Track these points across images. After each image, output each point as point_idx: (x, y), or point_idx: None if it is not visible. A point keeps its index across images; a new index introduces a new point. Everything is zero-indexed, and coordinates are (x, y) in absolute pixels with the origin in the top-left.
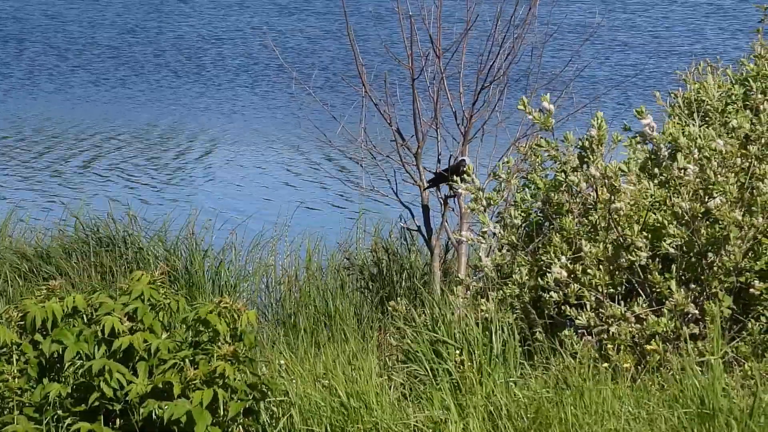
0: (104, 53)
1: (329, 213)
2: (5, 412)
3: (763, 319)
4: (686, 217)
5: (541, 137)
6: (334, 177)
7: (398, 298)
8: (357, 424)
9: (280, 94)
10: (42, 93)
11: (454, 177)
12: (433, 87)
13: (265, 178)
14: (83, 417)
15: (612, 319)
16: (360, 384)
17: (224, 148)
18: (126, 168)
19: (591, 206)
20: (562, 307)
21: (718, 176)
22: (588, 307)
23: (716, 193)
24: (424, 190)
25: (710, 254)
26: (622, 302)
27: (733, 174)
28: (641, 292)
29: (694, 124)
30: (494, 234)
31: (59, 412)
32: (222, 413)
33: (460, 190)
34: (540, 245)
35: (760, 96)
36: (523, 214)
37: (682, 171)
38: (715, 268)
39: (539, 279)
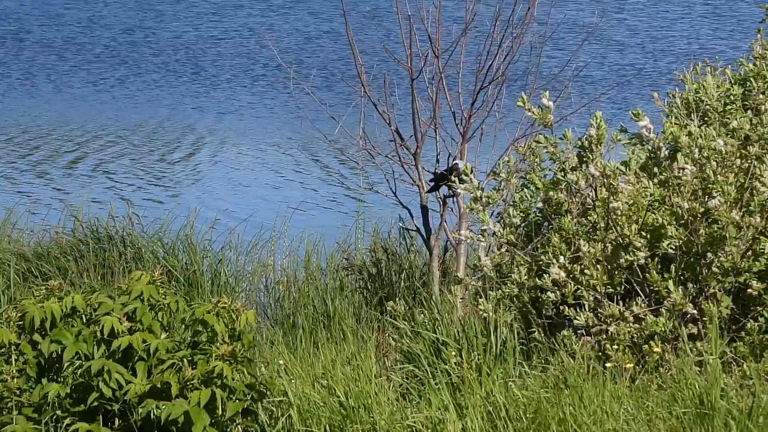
0: (102, 53)
1: (328, 213)
2: (4, 413)
3: (761, 319)
4: (685, 217)
5: (540, 134)
6: (332, 177)
7: (397, 299)
8: (356, 424)
9: (279, 94)
10: (40, 93)
11: (450, 178)
12: (431, 87)
13: (264, 177)
14: (82, 417)
15: (610, 319)
16: (359, 384)
17: (222, 148)
18: (125, 168)
19: (590, 206)
20: (561, 307)
21: (718, 176)
22: (586, 307)
23: (715, 192)
24: (426, 193)
25: (709, 254)
26: (621, 302)
27: (732, 174)
28: (640, 292)
29: (692, 125)
30: (493, 233)
31: (58, 412)
32: (220, 413)
33: (459, 190)
34: (539, 245)
35: (761, 96)
36: (522, 214)
37: (681, 171)
38: (714, 269)
39: (537, 279)
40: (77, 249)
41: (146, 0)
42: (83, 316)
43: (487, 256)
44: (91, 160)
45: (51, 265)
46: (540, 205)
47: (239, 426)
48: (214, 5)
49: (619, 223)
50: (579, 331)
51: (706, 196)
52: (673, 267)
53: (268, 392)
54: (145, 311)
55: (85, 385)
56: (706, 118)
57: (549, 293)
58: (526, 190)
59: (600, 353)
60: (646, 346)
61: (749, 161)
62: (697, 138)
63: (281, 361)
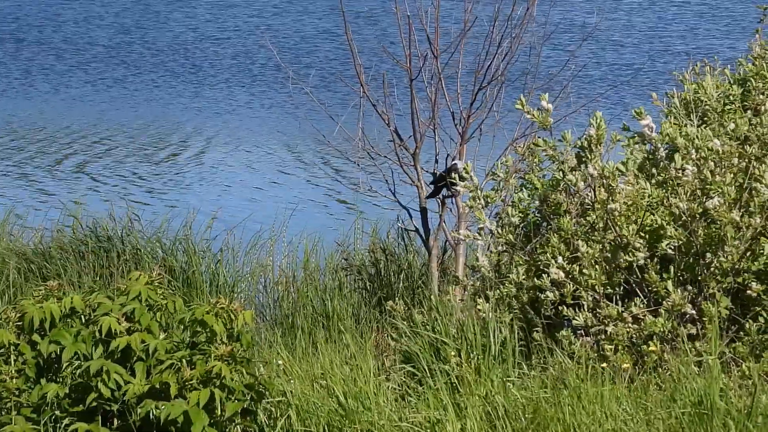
0: (101, 53)
1: (327, 213)
2: (3, 413)
3: (761, 319)
4: (684, 218)
5: (539, 137)
6: (331, 177)
7: (396, 299)
8: (355, 424)
9: (277, 94)
10: (38, 93)
11: (449, 178)
12: (430, 87)
13: (263, 178)
14: (81, 417)
15: (609, 319)
16: (358, 384)
17: (221, 149)
18: (123, 168)
19: (589, 206)
20: (560, 308)
21: (716, 176)
22: (585, 307)
23: (713, 193)
24: (427, 198)
25: (708, 255)
26: (620, 303)
27: (731, 174)
28: (639, 292)
29: (691, 125)
30: (491, 232)
31: (57, 412)
32: (219, 413)
33: (458, 188)
34: (537, 245)
35: (761, 96)
36: (521, 214)
37: (680, 171)
38: (713, 269)
39: (536, 279)
40: (77, 249)
41: (144, 0)
42: (82, 316)
43: (484, 256)
44: (89, 160)
45: (51, 265)
46: (538, 205)
47: (238, 426)
48: (212, 5)
49: (618, 223)
50: (578, 332)
51: (705, 197)
52: (672, 267)
53: (267, 392)
54: (144, 312)
55: (83, 385)
56: (705, 118)
57: (548, 293)
58: (524, 190)
59: (599, 353)
60: (645, 346)
61: (747, 161)
62: (694, 138)
63: (280, 362)
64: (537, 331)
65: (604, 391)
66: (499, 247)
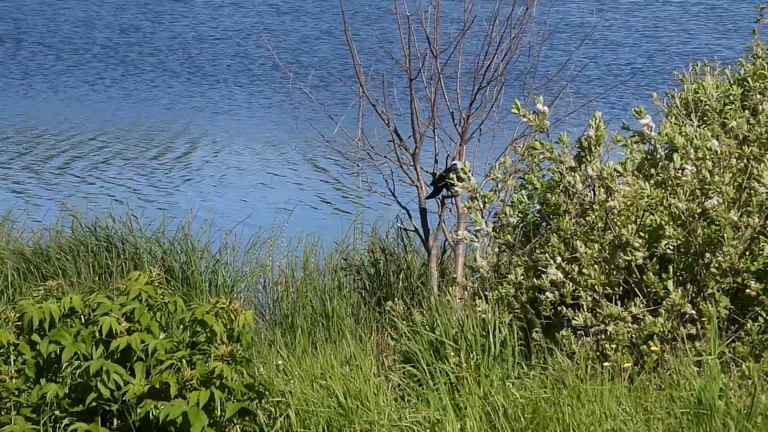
0: (99, 53)
1: (326, 213)
2: (3, 413)
3: (760, 319)
4: (683, 218)
5: (537, 139)
6: (331, 177)
7: (396, 299)
8: (354, 424)
9: (276, 94)
10: (37, 92)
11: (449, 179)
12: (430, 87)
13: (262, 178)
14: (80, 417)
15: (608, 319)
16: (357, 384)
17: (220, 149)
18: (122, 167)
19: (588, 206)
20: (559, 308)
21: (715, 176)
22: (585, 307)
23: (712, 193)
24: (426, 199)
25: (707, 255)
26: (620, 302)
27: (730, 174)
28: (638, 292)
29: (692, 125)
30: (488, 233)
31: (56, 412)
32: (219, 414)
33: (457, 188)
34: (537, 245)
35: (758, 96)
36: (520, 214)
37: (680, 171)
38: (712, 269)
39: (536, 279)
40: (76, 249)
41: (143, 0)
42: (82, 316)
43: (482, 257)
44: (88, 160)
45: (50, 265)
46: (537, 206)
47: (238, 426)
48: (210, 5)
49: (618, 223)
50: (578, 332)
51: (704, 197)
52: (671, 267)
53: (267, 392)
54: (143, 311)
55: (83, 385)
56: (705, 118)
57: (547, 293)
58: (524, 190)
59: (599, 353)
60: (645, 346)
61: (746, 161)
62: (693, 138)
63: (280, 361)
64: (536, 331)
65: (603, 390)
66: (496, 248)
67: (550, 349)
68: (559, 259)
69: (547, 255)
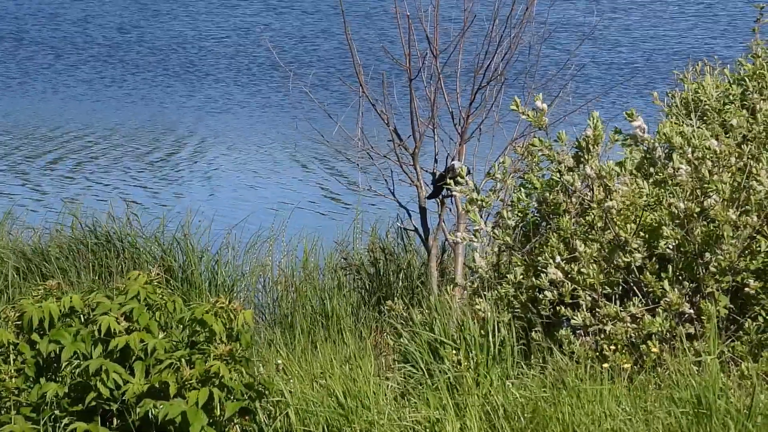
0: (99, 52)
1: (326, 213)
2: (2, 412)
3: (760, 318)
4: (681, 217)
5: (535, 137)
6: (330, 177)
7: (395, 298)
8: (354, 424)
9: (275, 93)
10: (36, 92)
11: (448, 179)
12: (430, 87)
13: (261, 177)
14: (80, 417)
15: (607, 319)
16: (357, 384)
17: (219, 148)
18: (122, 167)
19: (587, 206)
20: (558, 307)
21: (713, 175)
22: (584, 306)
23: (711, 192)
24: (427, 199)
25: (707, 254)
26: (619, 302)
27: (729, 173)
28: (637, 291)
29: (691, 124)
30: (487, 234)
31: (56, 411)
32: (218, 413)
33: (454, 192)
34: (536, 245)
35: (756, 96)
36: (520, 214)
37: (676, 171)
38: (711, 268)
39: (535, 279)
40: (76, 248)
41: None
42: (81, 315)
43: (482, 257)
44: (88, 159)
45: (50, 264)
46: (536, 205)
47: (237, 425)
48: (209, 4)
49: (617, 222)
50: (577, 331)
51: (703, 196)
52: (670, 267)
53: (267, 392)
54: (142, 311)
55: (83, 384)
56: (705, 118)
57: (546, 293)
58: (523, 190)
59: (598, 353)
60: (644, 345)
61: (744, 160)
62: (691, 138)
63: (279, 361)
64: (536, 331)
65: (603, 390)
66: (496, 248)
67: (550, 348)
68: (558, 259)
69: (546, 255)
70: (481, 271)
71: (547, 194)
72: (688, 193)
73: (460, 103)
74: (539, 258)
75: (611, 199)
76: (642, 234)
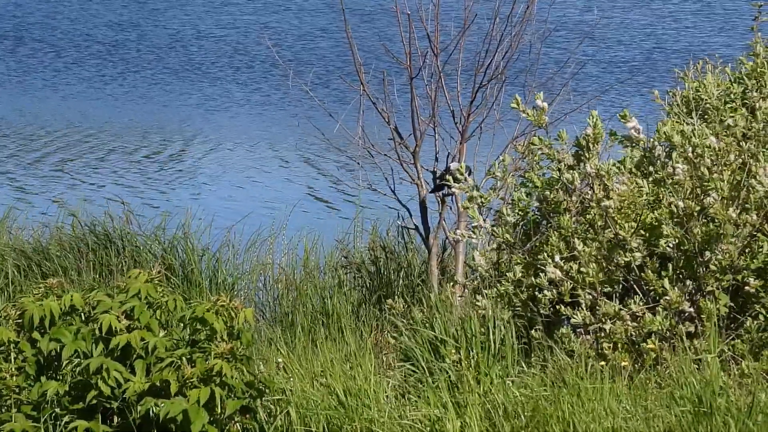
0: (98, 50)
1: (327, 211)
2: (3, 410)
3: (760, 317)
4: (681, 216)
5: (535, 135)
6: (331, 175)
7: (396, 297)
8: (354, 422)
9: (275, 92)
10: (36, 90)
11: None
12: (430, 85)
13: (262, 176)
14: (81, 415)
15: (607, 317)
16: (357, 382)
17: (219, 146)
18: (122, 165)
19: (587, 204)
20: (558, 306)
21: (713, 174)
22: (583, 305)
23: (710, 190)
24: (430, 192)
25: (707, 253)
26: (620, 300)
27: (729, 171)
28: (637, 290)
29: (692, 123)
30: (487, 231)
31: (57, 410)
32: (219, 411)
33: (454, 190)
34: (537, 243)
35: (755, 94)
36: (520, 212)
37: (674, 170)
38: (712, 266)
39: (534, 277)
40: (76, 246)
41: None
42: (82, 314)
43: (481, 255)
44: (88, 157)
45: (50, 262)
46: (536, 204)
47: (238, 423)
48: (208, 2)
49: (618, 221)
50: (578, 330)
51: (703, 194)
52: (670, 265)
53: (267, 390)
54: (143, 309)
55: (83, 383)
56: (705, 116)
57: (546, 291)
58: (524, 188)
59: (598, 351)
60: (644, 344)
61: (743, 158)
62: (690, 136)
63: (280, 359)
64: (536, 329)
65: (603, 388)
66: (494, 246)
67: (550, 347)
68: (557, 257)
69: (545, 253)
70: (481, 269)
71: (548, 193)
72: (687, 191)
73: (461, 101)
74: (539, 257)
75: (609, 198)
76: (642, 233)
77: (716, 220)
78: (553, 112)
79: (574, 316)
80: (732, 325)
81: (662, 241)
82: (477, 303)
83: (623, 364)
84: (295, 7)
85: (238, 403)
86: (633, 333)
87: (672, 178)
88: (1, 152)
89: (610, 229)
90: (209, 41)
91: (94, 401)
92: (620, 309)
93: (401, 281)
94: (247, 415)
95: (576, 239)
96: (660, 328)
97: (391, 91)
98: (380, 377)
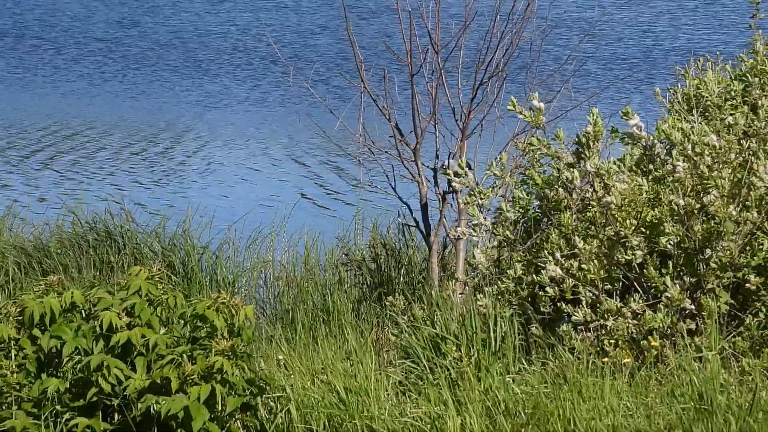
0: (99, 48)
1: (327, 208)
2: (3, 407)
3: (760, 314)
4: (681, 214)
5: (533, 136)
6: (332, 172)
7: (396, 294)
8: (355, 419)
9: (276, 89)
10: (37, 87)
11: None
12: (431, 83)
13: (262, 173)
14: (81, 412)
15: (608, 314)
16: (358, 379)
17: (219, 143)
18: (122, 163)
19: (588, 202)
20: (559, 303)
21: (713, 171)
22: (584, 303)
23: (710, 188)
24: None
25: (707, 250)
26: (620, 298)
27: (729, 169)
28: (638, 287)
29: (692, 121)
30: (487, 228)
31: (57, 407)
32: (220, 408)
33: (454, 184)
34: (537, 241)
35: (757, 92)
36: (521, 210)
37: (674, 167)
38: (712, 264)
39: (535, 275)
40: (77, 244)
41: None
42: (82, 311)
43: (481, 252)
44: (88, 155)
45: (51, 260)
46: (536, 201)
47: (238, 421)
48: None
49: (618, 219)
50: (578, 327)
51: (703, 192)
52: (671, 263)
53: (268, 387)
54: (144, 306)
55: (84, 380)
56: (706, 114)
57: (547, 288)
58: (524, 186)
59: (599, 349)
60: (645, 341)
61: (744, 155)
62: (690, 134)
63: (280, 357)
64: (537, 327)
65: (604, 386)
66: (495, 243)
67: (551, 344)
68: (558, 255)
69: (546, 251)
70: (482, 267)
71: (548, 191)
72: (688, 189)
73: (462, 98)
74: (540, 254)
75: (610, 195)
76: (643, 230)
77: (716, 218)
78: (554, 109)
79: (575, 314)
80: (732, 323)
81: (663, 239)
82: (478, 300)
83: (624, 361)
84: (295, 5)
85: (239, 400)
86: (634, 330)
87: (672, 176)
88: (1, 149)
89: (610, 227)
90: (209, 38)
91: (95, 398)
92: (621, 306)
93: (402, 278)
94: (248, 413)
95: (576, 237)
96: (661, 325)
97: (391, 88)
98: (381, 374)
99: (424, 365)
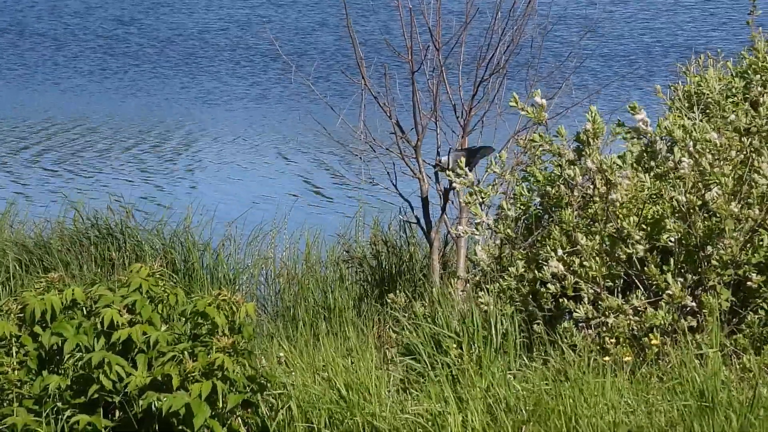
0: (99, 44)
1: (328, 205)
2: (5, 404)
3: (761, 311)
4: (683, 211)
5: (535, 132)
6: (333, 169)
7: (397, 291)
8: (356, 416)
9: (276, 86)
10: (37, 84)
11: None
12: (432, 79)
13: (263, 170)
14: (82, 409)
15: (609, 311)
16: (359, 376)
17: (220, 140)
18: (123, 159)
19: (589, 199)
20: (560, 300)
21: (714, 168)
22: (586, 299)
23: (712, 185)
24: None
25: (708, 247)
26: (621, 295)
27: (730, 166)
28: (639, 284)
29: (693, 118)
30: (488, 226)
31: (59, 404)
32: (221, 405)
33: (454, 184)
34: (539, 238)
35: (759, 89)
36: (522, 207)
37: (678, 164)
38: (713, 261)
39: (537, 272)
40: (78, 241)
41: None
42: (83, 308)
43: (483, 250)
44: (89, 152)
45: (52, 257)
46: (538, 199)
47: (239, 418)
48: None
49: (620, 215)
50: (580, 324)
51: (704, 189)
52: (672, 260)
53: (269, 384)
54: (145, 303)
55: (85, 377)
56: (707, 111)
57: (548, 286)
58: (525, 183)
59: (600, 346)
60: (646, 338)
61: (746, 153)
62: (691, 131)
63: (281, 354)
64: (538, 324)
65: (605, 383)
66: (497, 241)
67: (552, 341)
68: (560, 252)
69: (548, 248)
70: (483, 264)
71: (549, 188)
72: (690, 186)
73: (462, 95)
74: (541, 251)
75: (615, 192)
76: (644, 227)
77: (718, 215)
78: (555, 106)
79: (577, 311)
80: (734, 320)
81: (665, 236)
82: (479, 297)
83: (625, 358)
84: (295, 1)
85: (240, 397)
86: (635, 327)
87: (675, 172)
88: (2, 146)
89: (612, 224)
90: (209, 35)
91: (96, 395)
92: (623, 303)
93: (403, 276)
94: (249, 410)
95: (578, 233)
96: (662, 322)
97: (392, 85)
98: (382, 371)
99: (425, 362)
